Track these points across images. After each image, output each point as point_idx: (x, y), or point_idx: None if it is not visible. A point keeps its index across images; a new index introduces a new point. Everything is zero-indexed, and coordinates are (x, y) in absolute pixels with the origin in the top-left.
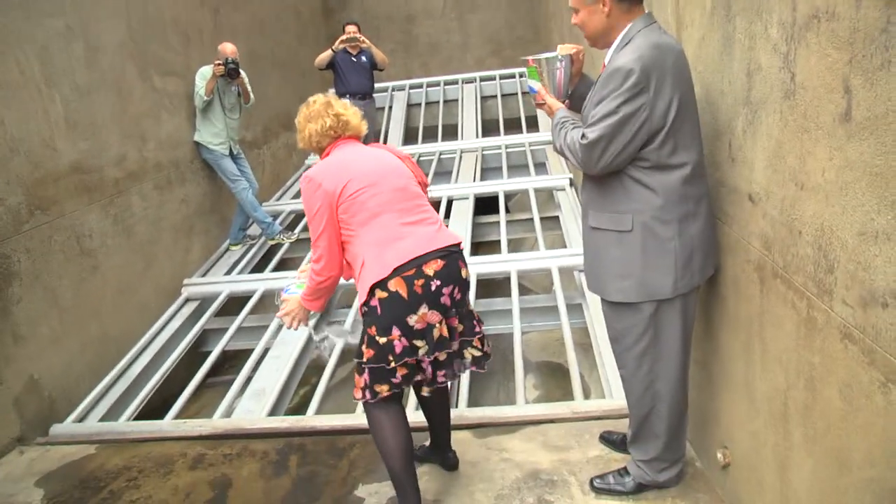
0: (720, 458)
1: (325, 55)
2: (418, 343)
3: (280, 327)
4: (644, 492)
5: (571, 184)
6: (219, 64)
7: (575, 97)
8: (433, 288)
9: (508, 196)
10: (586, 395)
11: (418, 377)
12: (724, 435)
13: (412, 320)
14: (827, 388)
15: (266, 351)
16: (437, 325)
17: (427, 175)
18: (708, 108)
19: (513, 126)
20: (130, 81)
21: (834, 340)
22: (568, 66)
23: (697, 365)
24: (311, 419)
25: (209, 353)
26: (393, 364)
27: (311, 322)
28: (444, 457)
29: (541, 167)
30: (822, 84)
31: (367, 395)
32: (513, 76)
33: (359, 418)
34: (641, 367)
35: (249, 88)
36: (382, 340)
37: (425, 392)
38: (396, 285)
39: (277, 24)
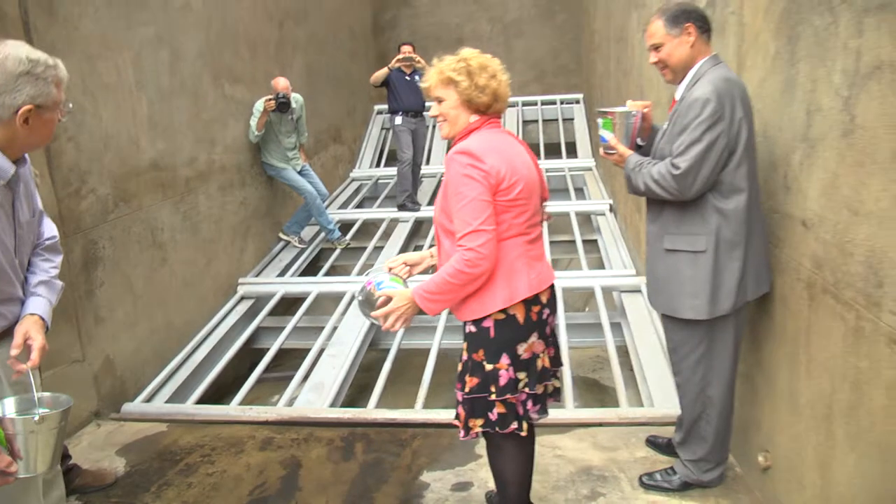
0: (761, 460)
1: (382, 73)
2: (520, 375)
3: (334, 329)
4: (689, 490)
5: (612, 209)
6: (270, 99)
7: (645, 147)
8: (544, 316)
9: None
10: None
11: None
12: (765, 440)
13: (521, 349)
14: (873, 388)
15: (322, 350)
16: (541, 354)
17: None
18: (765, 142)
19: (553, 151)
20: (205, 88)
21: (880, 345)
22: (640, 120)
23: (741, 377)
24: (373, 412)
25: (259, 349)
26: (493, 397)
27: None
28: None
29: (579, 192)
30: (880, 125)
31: (462, 433)
32: (553, 102)
33: (417, 413)
34: (696, 374)
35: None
36: (489, 367)
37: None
38: (514, 308)
39: (333, 41)
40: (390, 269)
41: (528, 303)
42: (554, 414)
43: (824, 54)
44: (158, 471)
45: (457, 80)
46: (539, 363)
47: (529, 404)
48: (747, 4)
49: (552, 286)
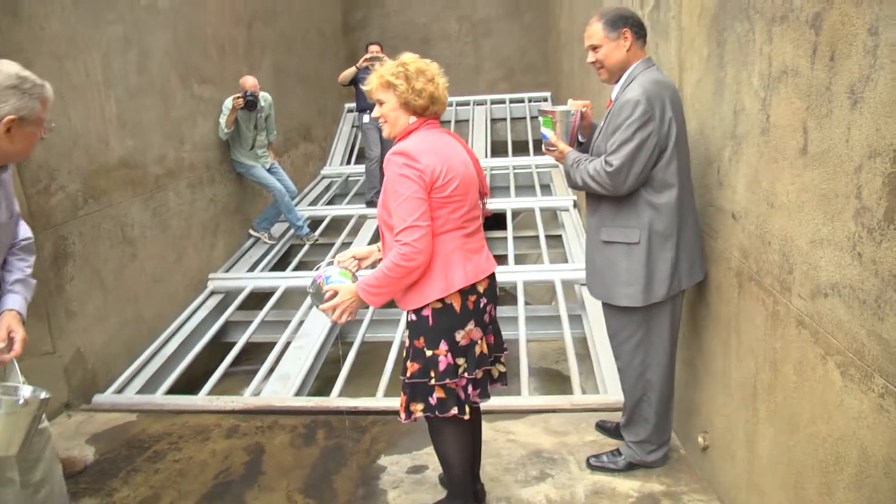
0: (700, 440)
1: (350, 72)
2: (459, 361)
3: (301, 323)
4: (634, 470)
5: (575, 205)
6: (238, 97)
7: (585, 144)
8: (482, 305)
9: (514, 214)
10: (583, 392)
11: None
12: (705, 422)
13: (459, 335)
14: (785, 366)
15: (288, 343)
16: (479, 341)
17: None
18: (702, 139)
19: (520, 148)
20: (173, 87)
21: (791, 327)
22: (578, 119)
23: (684, 363)
24: (335, 400)
25: (229, 342)
26: (433, 382)
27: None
28: (472, 488)
29: (545, 188)
30: (788, 124)
31: (403, 416)
32: (522, 101)
33: (378, 401)
34: (635, 358)
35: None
36: (429, 353)
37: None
38: (451, 298)
39: (302, 41)
40: (339, 263)
41: (465, 293)
42: (509, 401)
43: (745, 58)
44: (127, 458)
45: (395, 84)
46: (477, 349)
47: (470, 389)
48: (685, 10)
49: (492, 276)
